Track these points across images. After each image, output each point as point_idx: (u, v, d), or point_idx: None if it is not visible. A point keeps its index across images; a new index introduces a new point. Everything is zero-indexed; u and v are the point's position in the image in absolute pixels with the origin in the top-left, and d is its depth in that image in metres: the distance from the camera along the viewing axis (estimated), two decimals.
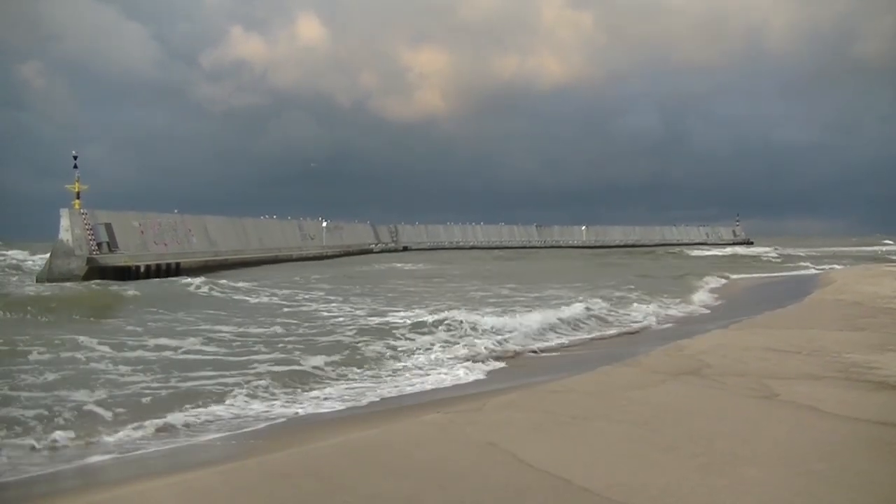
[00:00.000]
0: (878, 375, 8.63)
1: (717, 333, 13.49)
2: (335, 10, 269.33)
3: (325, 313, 21.92)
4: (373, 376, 12.14)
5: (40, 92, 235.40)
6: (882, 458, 5.59)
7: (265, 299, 27.39)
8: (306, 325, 19.15)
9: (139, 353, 14.29)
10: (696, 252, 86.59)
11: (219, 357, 13.86)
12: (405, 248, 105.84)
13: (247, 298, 27.60)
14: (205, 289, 29.99)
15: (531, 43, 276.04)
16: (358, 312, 21.91)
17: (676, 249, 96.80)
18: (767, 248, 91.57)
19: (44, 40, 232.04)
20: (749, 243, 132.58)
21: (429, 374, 12.12)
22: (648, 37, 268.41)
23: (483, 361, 13.15)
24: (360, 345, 14.80)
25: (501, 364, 13.05)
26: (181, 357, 13.91)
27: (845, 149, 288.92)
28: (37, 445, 8.02)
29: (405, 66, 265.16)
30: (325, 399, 10.45)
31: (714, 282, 34.51)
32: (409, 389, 11.03)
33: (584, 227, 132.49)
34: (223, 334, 17.21)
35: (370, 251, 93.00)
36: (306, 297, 28.33)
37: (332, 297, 27.58)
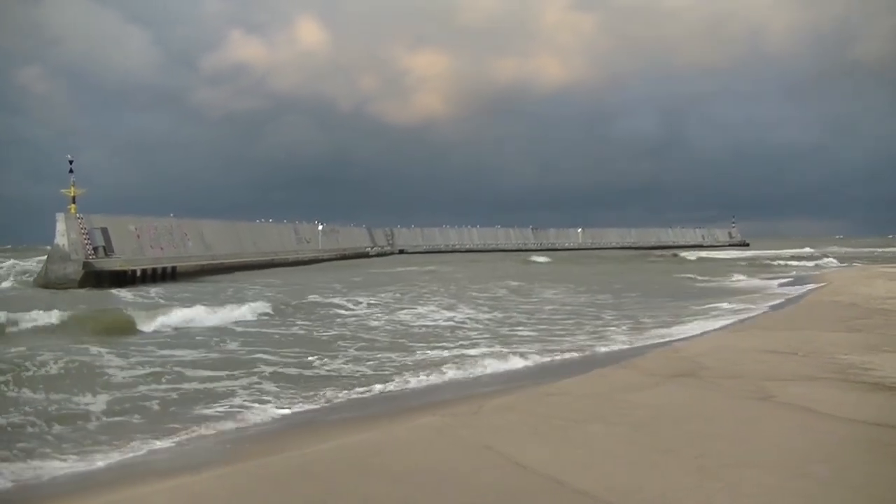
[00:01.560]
0: (873, 376, 8.64)
1: (713, 335, 13.52)
2: (334, 14, 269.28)
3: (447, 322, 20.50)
4: None
5: (40, 97, 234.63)
6: (879, 459, 5.59)
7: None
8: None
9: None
10: (721, 254, 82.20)
11: None
12: (401, 252, 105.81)
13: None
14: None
15: (531, 46, 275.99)
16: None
17: (702, 253, 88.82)
18: (809, 250, 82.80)
19: (44, 45, 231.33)
20: (745, 245, 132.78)
21: None
22: (650, 39, 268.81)
23: None
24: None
25: None
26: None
27: (844, 150, 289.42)
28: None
29: (404, 70, 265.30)
30: None
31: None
32: None
33: (579, 230, 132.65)
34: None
35: (366, 255, 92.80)
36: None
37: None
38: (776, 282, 33.87)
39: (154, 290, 34.69)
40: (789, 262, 57.75)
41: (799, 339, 11.83)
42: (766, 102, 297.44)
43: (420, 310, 23.75)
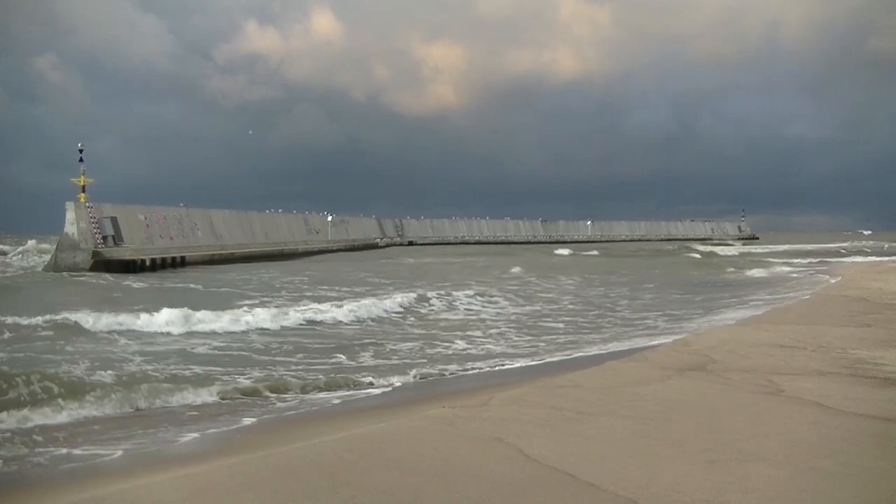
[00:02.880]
0: (883, 371, 8.63)
1: (723, 329, 13.48)
2: (349, 4, 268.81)
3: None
4: None
5: (54, 85, 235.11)
6: (888, 454, 5.59)
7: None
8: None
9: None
10: (750, 248, 78.69)
11: None
12: (410, 243, 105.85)
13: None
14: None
15: (546, 38, 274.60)
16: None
17: (744, 248, 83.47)
18: (840, 244, 78.03)
19: (59, 33, 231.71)
20: (754, 239, 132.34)
21: None
22: (664, 32, 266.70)
23: None
24: None
25: None
26: None
27: (857, 144, 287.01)
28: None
29: (419, 60, 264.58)
30: None
31: None
32: None
33: (589, 222, 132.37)
34: None
35: (376, 245, 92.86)
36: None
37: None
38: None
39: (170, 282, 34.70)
40: (844, 259, 53.90)
41: (808, 334, 11.80)
42: (779, 96, 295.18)
43: (446, 300, 23.82)
